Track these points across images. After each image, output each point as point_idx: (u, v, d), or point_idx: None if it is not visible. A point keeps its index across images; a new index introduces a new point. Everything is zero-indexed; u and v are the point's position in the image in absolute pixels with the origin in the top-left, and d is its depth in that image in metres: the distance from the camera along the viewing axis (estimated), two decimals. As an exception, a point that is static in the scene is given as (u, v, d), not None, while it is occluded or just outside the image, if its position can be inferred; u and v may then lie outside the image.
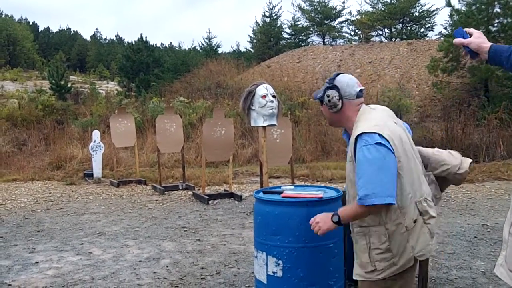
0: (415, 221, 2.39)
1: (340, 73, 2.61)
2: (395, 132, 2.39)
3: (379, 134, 2.31)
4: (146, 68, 27.92)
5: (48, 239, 5.81)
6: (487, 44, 2.04)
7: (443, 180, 3.08)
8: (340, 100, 2.52)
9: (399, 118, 2.69)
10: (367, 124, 2.39)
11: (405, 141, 2.43)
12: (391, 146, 2.30)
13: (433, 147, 3.22)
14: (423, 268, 3.75)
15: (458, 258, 4.81)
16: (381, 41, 25.37)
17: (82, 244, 5.59)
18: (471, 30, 2.13)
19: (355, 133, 2.39)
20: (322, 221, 2.53)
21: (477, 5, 14.02)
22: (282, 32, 30.65)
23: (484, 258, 4.81)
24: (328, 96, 2.55)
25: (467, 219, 6.47)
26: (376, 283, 2.44)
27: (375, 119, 2.43)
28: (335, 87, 2.54)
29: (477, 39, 2.08)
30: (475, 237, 5.58)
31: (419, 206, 2.42)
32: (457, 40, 2.14)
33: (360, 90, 2.55)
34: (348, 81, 2.55)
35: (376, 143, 2.28)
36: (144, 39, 30.03)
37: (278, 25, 30.13)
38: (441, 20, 69.95)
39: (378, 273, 2.42)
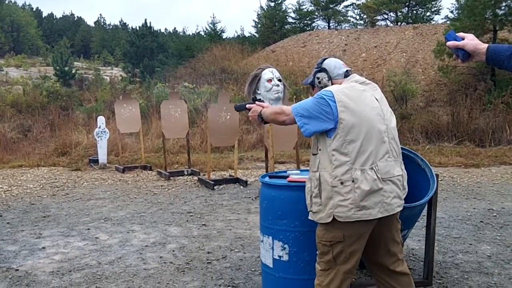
0: (342, 183, 2.52)
1: (327, 58, 2.90)
2: (348, 94, 2.62)
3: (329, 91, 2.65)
4: (150, 54, 27.92)
5: (55, 225, 5.84)
6: (483, 45, 2.08)
7: None
8: (330, 81, 2.81)
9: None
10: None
11: (369, 105, 2.63)
12: (334, 98, 2.58)
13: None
14: (429, 252, 3.75)
15: (464, 242, 4.81)
16: (386, 25, 25.13)
17: (89, 229, 5.61)
18: (463, 34, 2.15)
19: None
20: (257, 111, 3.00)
21: (485, -12, 13.80)
22: (287, 17, 30.35)
23: (490, 242, 4.81)
24: (318, 78, 2.84)
25: (473, 203, 6.46)
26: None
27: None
28: (324, 70, 2.83)
29: (472, 41, 2.10)
30: (481, 221, 5.57)
31: (354, 173, 2.51)
32: (451, 43, 2.14)
33: (347, 70, 2.83)
34: (335, 63, 2.84)
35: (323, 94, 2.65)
36: (148, 24, 29.98)
37: (283, 9, 29.82)
38: (448, 4, 69.44)
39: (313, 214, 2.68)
